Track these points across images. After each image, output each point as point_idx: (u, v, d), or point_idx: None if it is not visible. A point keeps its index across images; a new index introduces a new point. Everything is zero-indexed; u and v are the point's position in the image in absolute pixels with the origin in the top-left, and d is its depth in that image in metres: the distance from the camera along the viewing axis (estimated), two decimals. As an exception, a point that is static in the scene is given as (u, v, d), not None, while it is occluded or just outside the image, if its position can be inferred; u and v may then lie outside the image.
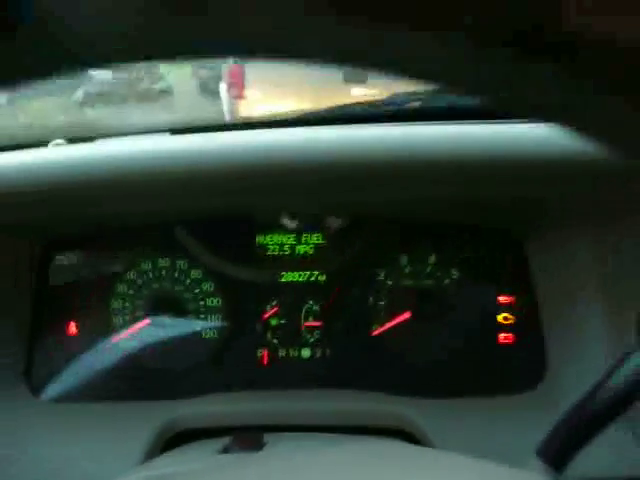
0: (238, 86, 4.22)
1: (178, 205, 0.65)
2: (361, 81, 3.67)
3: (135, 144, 0.63)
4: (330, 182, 0.57)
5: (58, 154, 0.62)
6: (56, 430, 0.62)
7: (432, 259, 0.72)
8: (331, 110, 0.85)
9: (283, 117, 0.82)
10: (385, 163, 0.56)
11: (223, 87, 4.46)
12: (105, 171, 0.59)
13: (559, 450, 0.40)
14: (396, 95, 0.97)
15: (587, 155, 0.52)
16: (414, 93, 0.95)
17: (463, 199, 0.63)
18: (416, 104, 0.87)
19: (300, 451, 0.35)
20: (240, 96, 4.10)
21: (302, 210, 0.69)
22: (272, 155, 0.56)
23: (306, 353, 0.73)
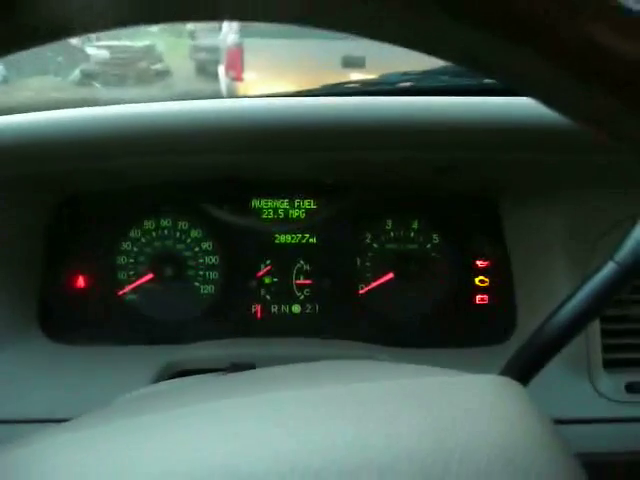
0: (236, 69, 4.23)
1: (179, 166, 0.70)
2: (360, 66, 3.70)
3: (140, 107, 0.68)
4: (320, 141, 0.63)
5: (70, 113, 0.67)
6: (68, 368, 0.68)
7: (415, 224, 0.78)
8: (325, 88, 0.90)
9: (279, 95, 0.87)
10: (368, 125, 0.62)
11: (221, 69, 4.47)
12: (114, 127, 0.64)
13: (521, 369, 0.46)
14: (389, 75, 1.02)
15: (551, 126, 0.58)
16: (406, 73, 1.00)
17: (442, 166, 0.69)
18: (407, 84, 0.91)
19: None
20: (238, 78, 4.11)
21: (294, 171, 0.74)
22: (266, 117, 0.61)
23: (296, 309, 0.79)
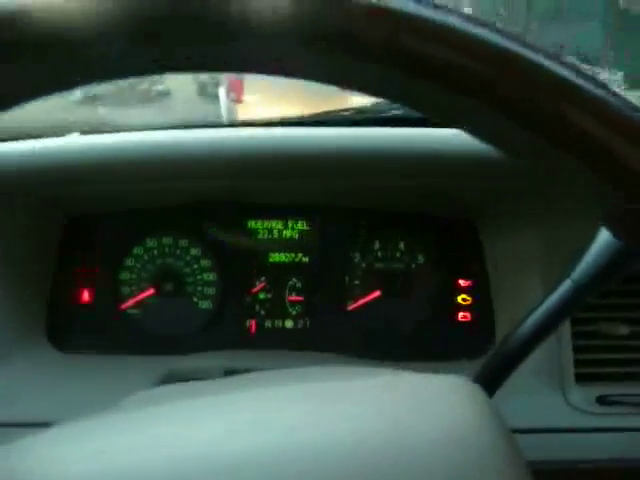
0: (237, 90, 4.29)
1: (179, 190, 0.76)
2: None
3: (142, 136, 0.74)
4: (311, 170, 0.69)
5: (78, 141, 0.73)
6: (73, 375, 0.72)
7: (401, 245, 0.83)
8: (321, 115, 0.96)
9: (277, 121, 0.93)
10: (357, 157, 0.68)
11: (222, 91, 4.54)
12: (117, 156, 0.70)
13: (490, 375, 0.50)
14: (381, 104, 1.09)
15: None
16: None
17: (426, 192, 0.74)
18: (397, 111, 0.97)
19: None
20: (239, 100, 4.17)
21: (288, 196, 0.80)
22: (261, 146, 0.67)
23: (289, 324, 0.83)
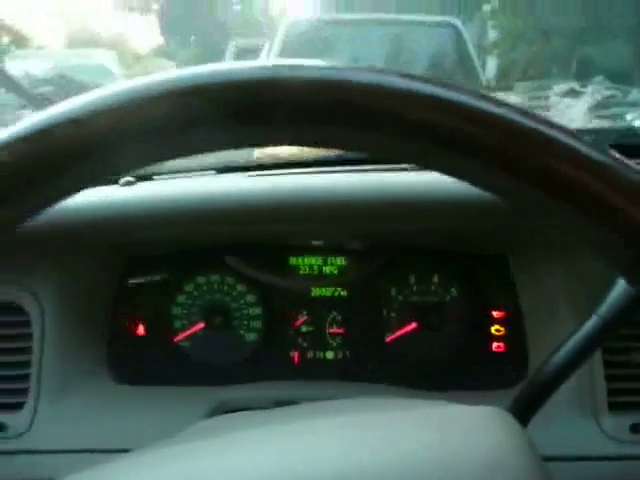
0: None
1: (226, 233, 0.82)
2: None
3: (188, 183, 0.81)
4: (347, 216, 0.75)
5: (129, 193, 0.80)
6: (130, 404, 0.78)
7: (435, 279, 0.88)
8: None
9: (306, 157, 0.98)
10: (389, 202, 0.74)
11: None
12: (168, 204, 0.77)
13: (524, 404, 0.53)
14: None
15: None
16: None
17: (454, 232, 0.79)
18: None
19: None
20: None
21: (327, 237, 0.85)
22: (302, 194, 0.74)
23: (330, 355, 0.88)
